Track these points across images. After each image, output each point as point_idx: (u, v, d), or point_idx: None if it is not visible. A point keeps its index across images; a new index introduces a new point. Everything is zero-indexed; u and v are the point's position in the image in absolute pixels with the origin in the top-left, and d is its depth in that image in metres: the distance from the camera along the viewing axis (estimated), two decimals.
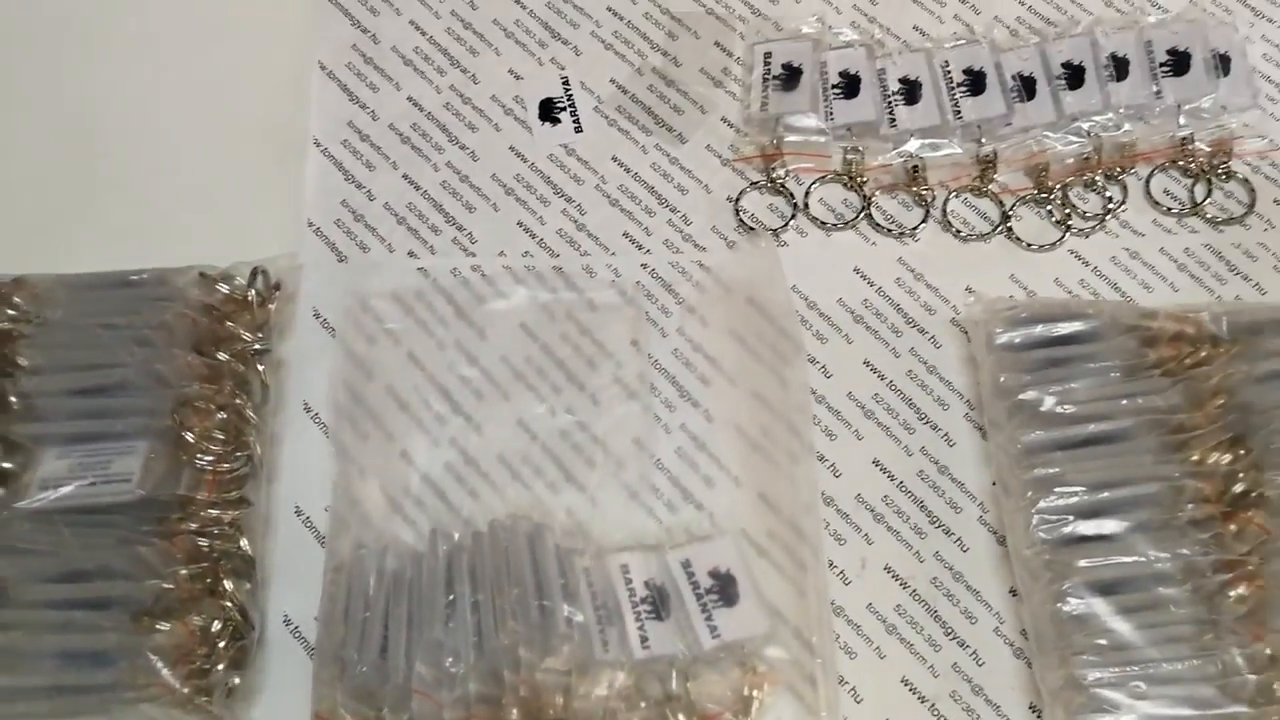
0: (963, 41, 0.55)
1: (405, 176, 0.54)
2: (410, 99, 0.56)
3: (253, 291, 0.49)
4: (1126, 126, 0.53)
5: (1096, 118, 0.53)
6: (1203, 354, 0.45)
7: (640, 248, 0.52)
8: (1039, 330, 0.46)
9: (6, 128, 0.55)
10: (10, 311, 0.47)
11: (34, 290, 0.48)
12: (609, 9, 0.58)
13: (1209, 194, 0.52)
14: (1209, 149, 0.53)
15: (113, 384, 0.45)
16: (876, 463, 0.47)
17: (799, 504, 0.45)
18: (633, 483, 0.47)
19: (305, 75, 0.56)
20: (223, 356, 0.46)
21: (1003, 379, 0.46)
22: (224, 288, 0.48)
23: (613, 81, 0.56)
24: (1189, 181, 0.52)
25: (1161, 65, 0.54)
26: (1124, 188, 0.52)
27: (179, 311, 0.46)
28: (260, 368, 0.48)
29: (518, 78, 0.56)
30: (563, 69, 0.56)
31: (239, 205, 0.53)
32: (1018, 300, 0.49)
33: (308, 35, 0.57)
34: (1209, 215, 0.52)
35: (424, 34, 0.57)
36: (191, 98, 0.56)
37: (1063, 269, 0.51)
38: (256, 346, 0.47)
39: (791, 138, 0.53)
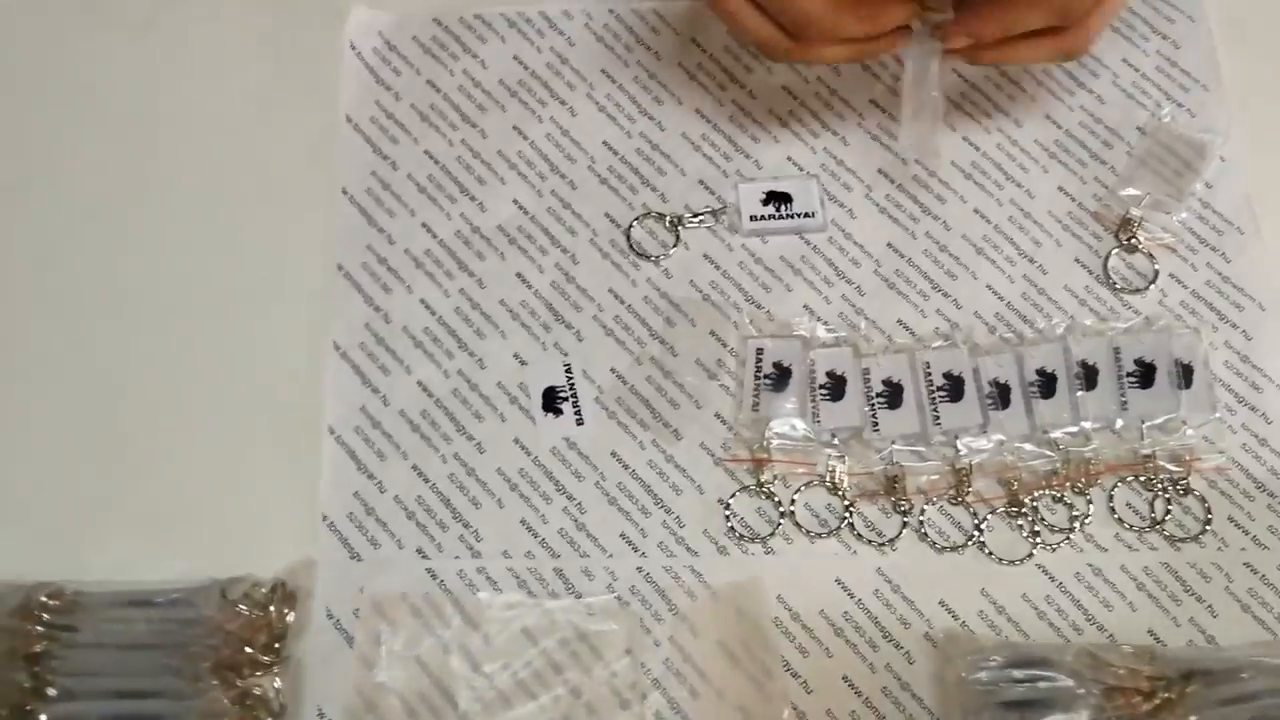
0: (943, 344, 0.58)
1: (415, 468, 0.57)
2: (420, 383, 0.59)
3: (271, 608, 0.52)
4: (1093, 442, 0.56)
5: (1066, 430, 0.56)
6: (1156, 701, 0.49)
7: (636, 550, 0.56)
8: (1006, 673, 0.50)
9: (28, 410, 0.58)
10: (39, 629, 0.50)
11: (61, 604, 0.51)
12: (610, 291, 0.61)
13: (1168, 511, 0.56)
14: (1169, 464, 0.56)
15: (145, 715, 0.48)
16: None
17: None
18: None
19: (320, 357, 0.59)
20: (242, 683, 0.49)
21: None
22: (244, 609, 0.51)
23: (613, 371, 0.59)
24: (1150, 496, 0.56)
25: (1129, 375, 0.57)
26: (1089, 501, 0.56)
27: (204, 642, 0.49)
28: (277, 684, 0.51)
29: (522, 363, 0.59)
30: (565, 355, 0.59)
31: (257, 496, 0.57)
32: (984, 641, 0.52)
33: (323, 314, 0.60)
34: (1167, 533, 0.55)
35: (434, 314, 0.60)
36: (211, 382, 0.59)
37: (1030, 584, 0.55)
38: (275, 668, 0.51)
39: (780, 441, 0.57)
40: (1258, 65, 0.65)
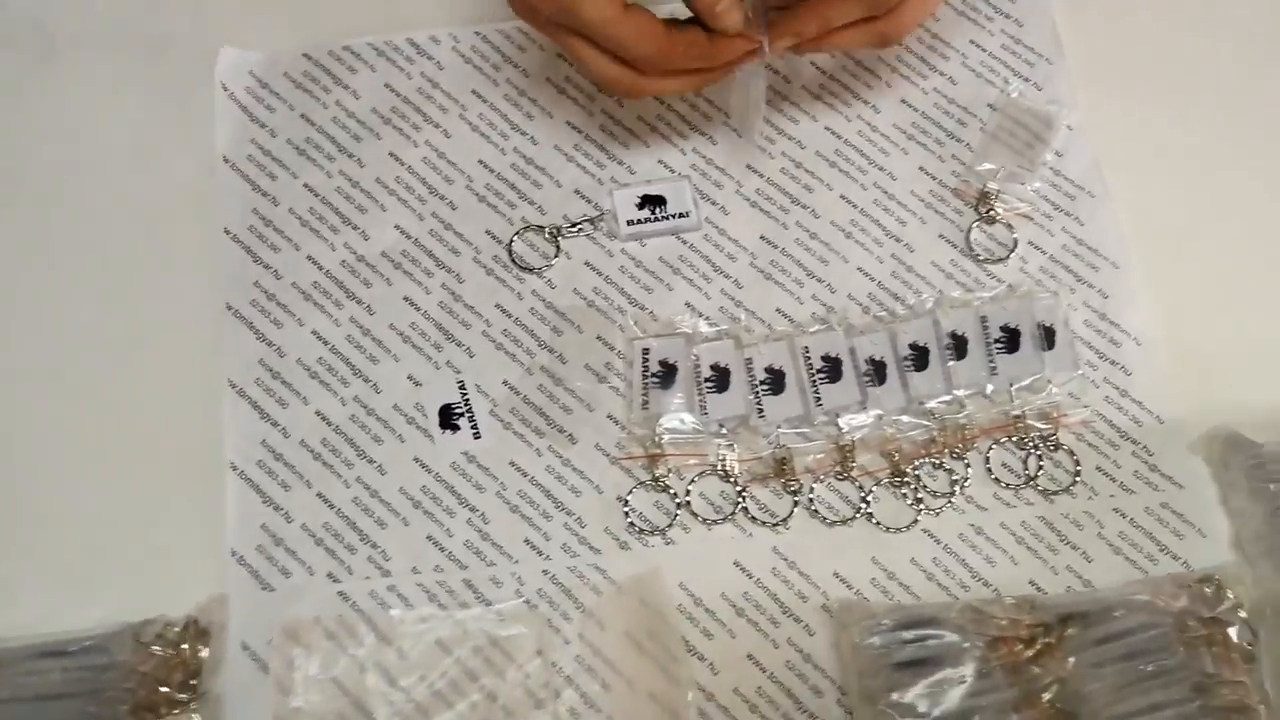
0: (820, 328, 0.61)
1: (319, 495, 0.58)
2: (318, 413, 0.60)
3: (185, 647, 0.53)
4: (967, 408, 0.59)
5: (940, 399, 0.59)
6: (1037, 647, 0.52)
7: (541, 554, 0.57)
8: (896, 635, 0.53)
9: None
10: None
11: None
12: (497, 306, 0.62)
13: (1040, 466, 0.59)
14: (1038, 423, 0.59)
15: None
16: None
17: None
18: None
19: (217, 395, 0.60)
20: None
21: (866, 683, 0.52)
22: (157, 649, 0.52)
23: (505, 383, 0.61)
24: (1023, 454, 0.59)
25: (996, 342, 0.60)
26: (967, 465, 0.59)
27: (120, 686, 0.50)
28: (196, 719, 0.52)
29: (417, 384, 0.61)
30: (458, 372, 0.61)
31: (164, 537, 0.58)
32: (875, 607, 0.55)
33: (216, 353, 0.61)
34: (1041, 487, 0.58)
35: (326, 344, 0.61)
36: (110, 428, 0.60)
37: (917, 549, 0.57)
38: (193, 705, 0.52)
39: (671, 435, 0.59)
40: (1096, 36, 0.68)
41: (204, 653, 0.54)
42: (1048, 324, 0.61)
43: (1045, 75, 0.67)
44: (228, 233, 0.64)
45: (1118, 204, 0.64)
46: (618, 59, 0.55)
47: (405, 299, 0.62)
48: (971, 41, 0.68)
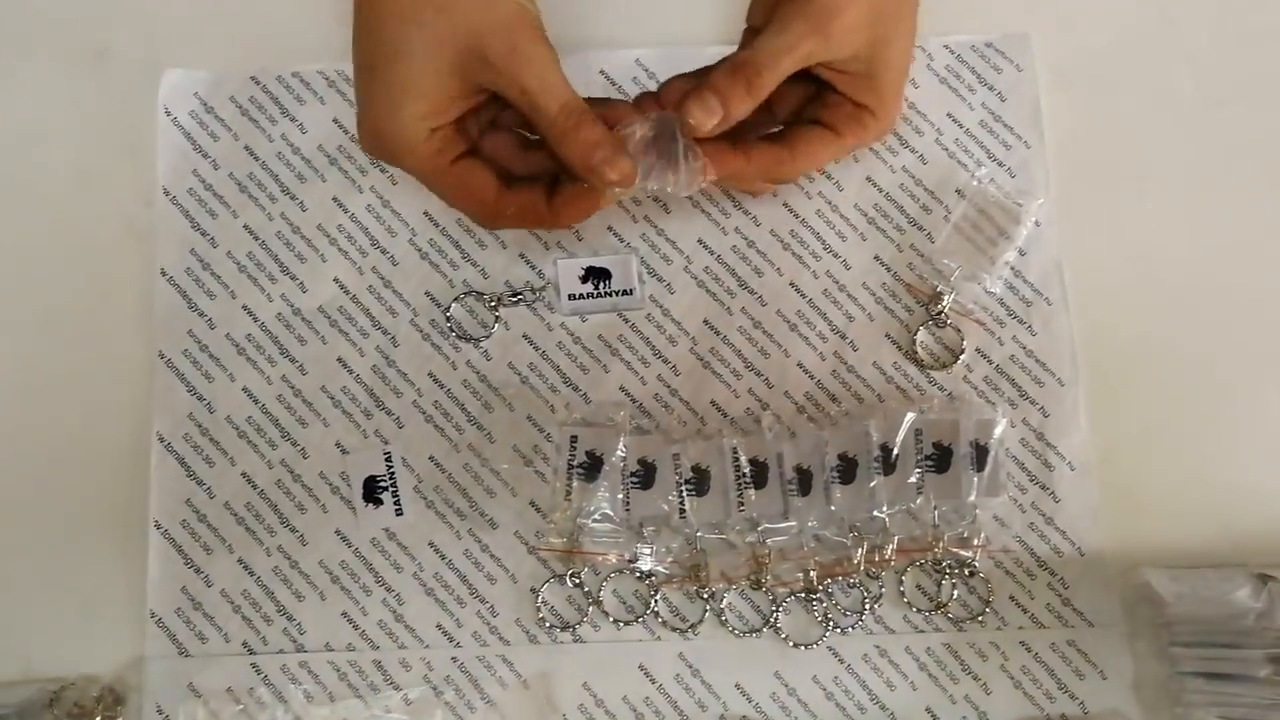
0: (750, 430, 0.60)
1: (240, 561, 0.59)
2: (244, 474, 0.60)
3: (98, 717, 0.55)
4: (889, 526, 0.59)
5: (862, 516, 0.59)
6: None
7: (451, 640, 0.59)
8: None
9: None
10: None
11: None
12: (430, 374, 0.62)
13: (953, 593, 0.59)
14: (959, 548, 0.59)
15: None
16: None
17: None
18: None
19: (145, 449, 0.60)
20: None
21: None
22: None
23: (432, 458, 0.61)
24: (938, 578, 0.59)
25: (927, 458, 0.59)
26: (881, 585, 0.59)
27: None
28: None
29: (344, 451, 0.61)
30: (386, 443, 0.61)
31: (84, 594, 0.59)
32: None
33: (146, 403, 0.61)
34: (951, 614, 0.59)
35: (257, 402, 0.61)
36: (31, 477, 0.60)
37: (821, 667, 0.58)
38: None
39: (592, 527, 0.59)
40: (1079, 119, 0.64)
41: None
42: (982, 443, 0.60)
43: (1021, 160, 0.64)
44: (164, 274, 0.63)
45: (1073, 314, 0.62)
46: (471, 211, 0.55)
47: (339, 360, 0.62)
48: (949, 115, 0.65)
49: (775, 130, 0.58)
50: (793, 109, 0.58)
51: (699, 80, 0.53)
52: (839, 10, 0.52)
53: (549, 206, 0.54)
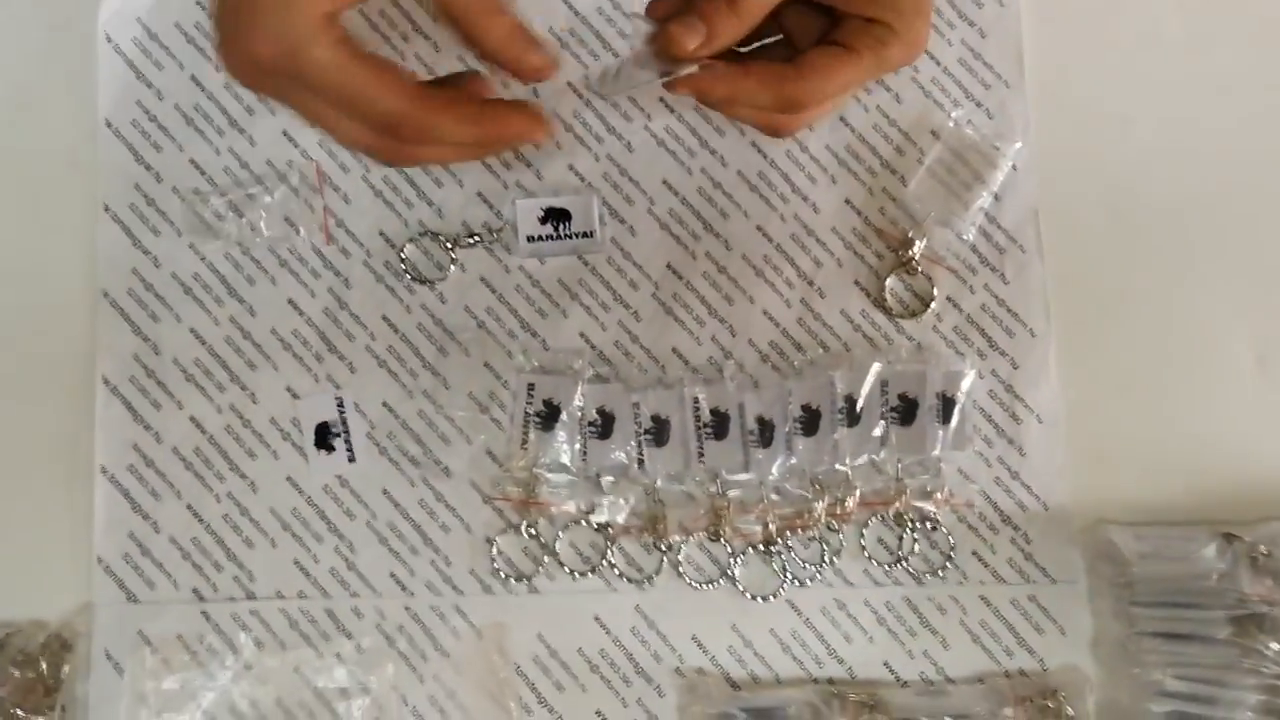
0: (712, 379, 0.59)
1: (189, 507, 0.58)
2: (193, 419, 0.59)
3: (43, 664, 0.54)
4: (851, 479, 0.58)
5: (824, 469, 0.58)
6: None
7: (405, 589, 0.58)
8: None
9: None
10: None
11: None
12: (384, 318, 0.60)
13: (914, 546, 0.58)
14: (921, 502, 0.58)
15: None
16: None
17: None
18: None
19: (89, 393, 0.59)
20: None
21: None
22: (15, 672, 0.53)
23: (385, 405, 0.59)
24: (899, 532, 0.58)
25: (892, 410, 0.58)
26: (841, 537, 0.58)
27: None
28: None
29: (295, 396, 0.59)
30: (338, 387, 0.59)
31: (29, 539, 0.58)
32: (722, 694, 0.56)
33: (90, 345, 0.59)
34: (912, 568, 0.58)
35: (204, 343, 0.59)
36: None
37: (778, 619, 0.58)
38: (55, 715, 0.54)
39: (547, 477, 0.58)
40: (1062, 55, 0.62)
41: (65, 669, 0.55)
42: (949, 395, 0.58)
43: (1000, 101, 0.62)
44: (107, 210, 0.60)
45: (1048, 263, 0.60)
46: (376, 127, 0.47)
47: (289, 301, 0.60)
48: (927, 52, 0.62)
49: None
50: (813, 42, 0.52)
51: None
52: None
53: (482, 112, 0.49)
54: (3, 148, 0.61)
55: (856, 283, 0.60)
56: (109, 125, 0.61)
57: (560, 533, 0.58)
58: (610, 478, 0.58)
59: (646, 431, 0.58)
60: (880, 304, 0.60)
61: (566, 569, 0.58)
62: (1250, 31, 0.62)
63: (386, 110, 0.47)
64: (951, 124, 0.61)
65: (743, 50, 0.52)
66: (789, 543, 0.58)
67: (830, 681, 0.57)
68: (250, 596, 0.57)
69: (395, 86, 0.47)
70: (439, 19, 0.50)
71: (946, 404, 0.58)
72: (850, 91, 0.53)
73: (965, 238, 0.60)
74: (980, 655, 0.57)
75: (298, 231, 0.60)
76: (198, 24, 0.62)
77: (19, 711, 0.53)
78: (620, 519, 0.58)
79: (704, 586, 0.58)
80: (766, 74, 0.50)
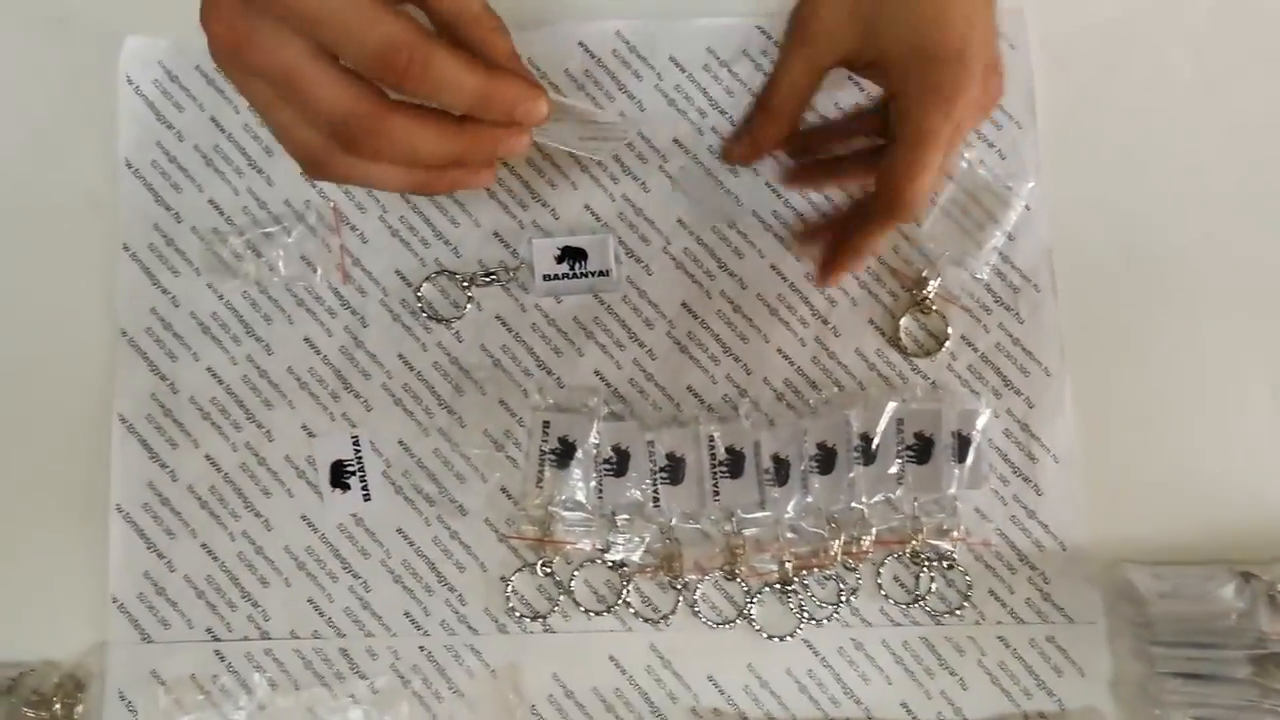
0: (727, 418, 0.59)
1: (204, 545, 0.58)
2: (208, 457, 0.59)
3: (57, 705, 0.54)
4: (867, 517, 0.58)
5: (840, 507, 0.58)
6: None
7: (419, 628, 0.57)
8: None
9: None
10: None
11: None
12: (400, 356, 0.60)
13: (931, 586, 0.58)
14: (938, 540, 0.58)
15: None
16: None
17: None
18: None
19: (105, 431, 0.59)
20: None
21: None
22: (29, 712, 0.53)
23: (400, 442, 0.59)
24: (916, 570, 0.58)
25: (908, 449, 0.58)
26: (858, 576, 0.58)
27: None
28: None
29: (310, 434, 0.59)
30: (353, 426, 0.59)
31: (44, 578, 0.58)
32: None
33: (107, 383, 0.59)
34: (929, 607, 0.58)
35: (221, 382, 0.60)
36: None
37: (795, 658, 0.57)
38: None
39: (562, 515, 0.58)
40: (1073, 100, 0.62)
41: (79, 708, 0.55)
42: (965, 434, 0.58)
43: (1012, 141, 0.62)
44: (127, 249, 0.61)
45: (1062, 302, 0.60)
46: (324, 124, 0.42)
47: (306, 340, 0.60)
48: None
49: None
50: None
51: None
52: (813, 11, 0.52)
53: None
54: (24, 187, 0.61)
55: (871, 321, 0.60)
56: (129, 166, 0.61)
57: (575, 571, 0.58)
58: (625, 516, 0.58)
59: (662, 470, 0.58)
60: (895, 343, 0.60)
61: (582, 608, 0.58)
62: (1261, 71, 0.62)
63: (340, 109, 0.41)
64: (964, 164, 0.61)
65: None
66: (805, 582, 0.58)
67: None
68: (265, 636, 0.57)
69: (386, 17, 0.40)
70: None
71: (962, 443, 0.58)
72: (941, 152, 0.51)
73: (979, 277, 0.61)
74: (999, 696, 0.57)
75: (315, 271, 0.60)
76: (217, 67, 0.63)
77: None
78: (635, 557, 0.58)
79: (720, 626, 0.57)
80: (852, 165, 0.59)
